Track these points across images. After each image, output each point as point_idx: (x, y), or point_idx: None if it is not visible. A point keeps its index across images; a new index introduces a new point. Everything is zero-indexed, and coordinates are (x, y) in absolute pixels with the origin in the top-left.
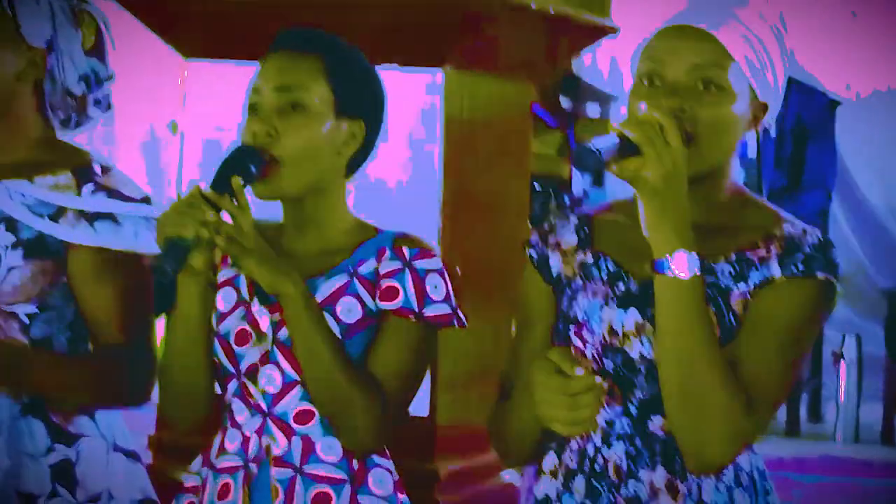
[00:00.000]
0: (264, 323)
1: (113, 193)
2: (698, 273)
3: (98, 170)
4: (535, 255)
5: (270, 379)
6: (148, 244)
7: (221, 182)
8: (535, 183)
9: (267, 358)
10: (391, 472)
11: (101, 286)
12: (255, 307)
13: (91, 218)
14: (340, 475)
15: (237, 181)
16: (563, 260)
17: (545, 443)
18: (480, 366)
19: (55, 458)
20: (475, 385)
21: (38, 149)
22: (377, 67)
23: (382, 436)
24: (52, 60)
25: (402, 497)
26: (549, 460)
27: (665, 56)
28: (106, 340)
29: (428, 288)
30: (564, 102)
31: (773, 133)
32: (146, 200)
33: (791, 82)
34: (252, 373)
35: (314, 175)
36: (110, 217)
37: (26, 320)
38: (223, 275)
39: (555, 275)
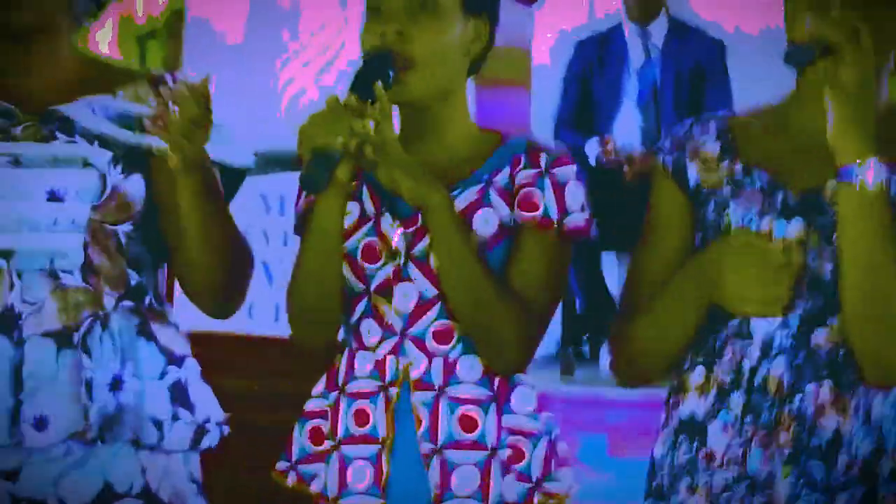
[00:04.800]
0: (396, 237)
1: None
2: (885, 181)
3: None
4: (669, 161)
5: (405, 297)
6: (219, 150)
7: (360, 88)
8: None
9: (400, 275)
10: (533, 388)
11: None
12: (386, 221)
13: None
14: (484, 395)
15: (379, 88)
16: (704, 168)
17: (692, 358)
18: None
19: (170, 380)
20: None
21: (83, 66)
22: None
23: (529, 352)
24: None
25: (547, 414)
26: (696, 375)
27: None
28: (192, 251)
29: (567, 197)
30: None
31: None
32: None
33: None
34: (384, 291)
35: (445, 77)
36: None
37: (124, 240)
38: None
39: (693, 184)
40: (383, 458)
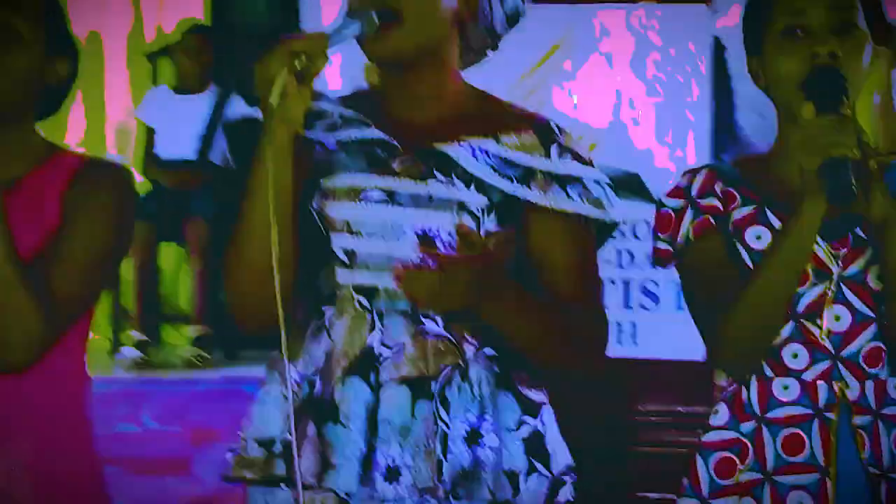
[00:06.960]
0: (827, 258)
1: (577, 156)
2: None
3: (557, 129)
4: None
5: (838, 318)
6: (611, 211)
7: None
8: None
9: (831, 296)
10: None
11: (567, 251)
12: (819, 243)
13: (563, 181)
14: None
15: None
16: None
17: None
18: None
19: (526, 431)
20: None
21: (466, 100)
22: None
23: None
24: None
25: None
26: None
27: None
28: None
29: None
30: None
31: None
32: (591, 163)
33: None
34: (813, 313)
35: None
36: (580, 181)
37: None
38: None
39: None
40: (828, 485)
